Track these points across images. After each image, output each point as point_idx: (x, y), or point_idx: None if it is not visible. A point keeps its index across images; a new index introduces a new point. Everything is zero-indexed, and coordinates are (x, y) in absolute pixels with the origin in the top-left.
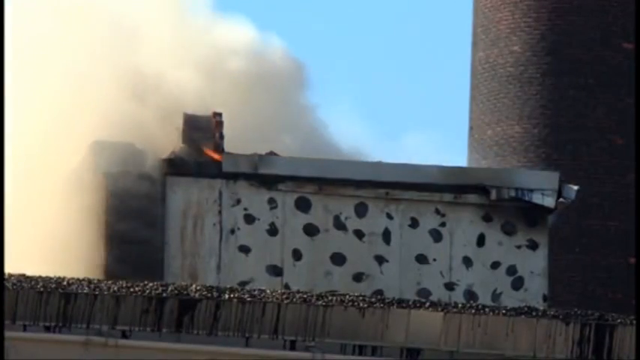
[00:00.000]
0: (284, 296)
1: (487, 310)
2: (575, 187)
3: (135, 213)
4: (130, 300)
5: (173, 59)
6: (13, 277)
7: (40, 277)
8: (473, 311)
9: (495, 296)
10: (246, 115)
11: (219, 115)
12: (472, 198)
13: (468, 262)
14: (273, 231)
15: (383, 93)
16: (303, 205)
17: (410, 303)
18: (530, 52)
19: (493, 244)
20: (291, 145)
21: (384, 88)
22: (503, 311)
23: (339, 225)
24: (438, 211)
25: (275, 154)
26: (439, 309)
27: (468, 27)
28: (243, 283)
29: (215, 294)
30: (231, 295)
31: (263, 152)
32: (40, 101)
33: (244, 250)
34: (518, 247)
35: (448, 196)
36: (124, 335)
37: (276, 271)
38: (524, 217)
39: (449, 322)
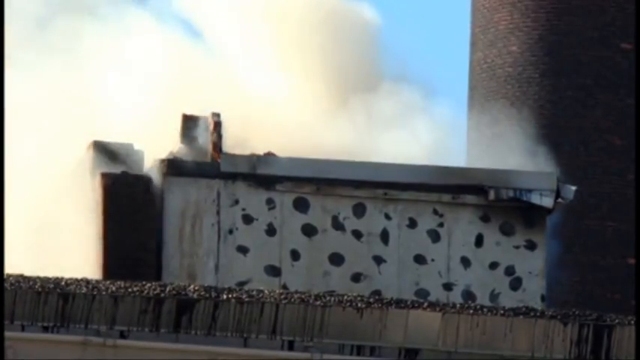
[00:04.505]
0: (282, 296)
1: (485, 310)
2: (574, 188)
3: (133, 213)
4: (129, 300)
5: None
6: (11, 277)
7: (38, 277)
8: (471, 311)
9: (493, 296)
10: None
11: (218, 115)
12: (470, 198)
13: (466, 262)
14: (271, 231)
15: None
16: (301, 205)
17: (408, 303)
18: (528, 53)
19: (491, 245)
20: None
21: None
22: (502, 311)
23: (338, 225)
24: (436, 212)
25: (273, 155)
26: (437, 309)
27: (467, 27)
28: (241, 284)
29: (213, 294)
30: (230, 296)
31: (261, 152)
32: (40, 101)
33: (242, 250)
34: (517, 247)
35: (446, 197)
36: (122, 335)
37: (274, 271)
38: (523, 218)
39: (447, 323)
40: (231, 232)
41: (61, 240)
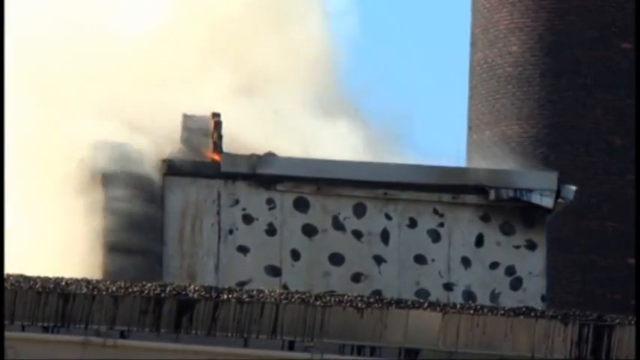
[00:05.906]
0: (282, 296)
1: (486, 310)
2: (574, 188)
3: (133, 213)
4: (129, 300)
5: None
6: (11, 277)
7: (38, 277)
8: (471, 311)
9: (494, 296)
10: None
11: (218, 115)
12: (471, 198)
13: (466, 262)
14: (271, 231)
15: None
16: (301, 205)
17: (408, 303)
18: (528, 53)
19: (492, 245)
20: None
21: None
22: (502, 311)
23: (338, 225)
24: (436, 212)
25: (273, 155)
26: (438, 309)
27: (467, 27)
28: (241, 284)
29: (213, 294)
30: (230, 296)
31: (261, 153)
32: (40, 101)
33: (243, 250)
34: (517, 247)
35: (447, 197)
36: (123, 335)
37: (274, 271)
38: (523, 218)
39: (447, 323)
40: (231, 232)
41: (61, 240)
